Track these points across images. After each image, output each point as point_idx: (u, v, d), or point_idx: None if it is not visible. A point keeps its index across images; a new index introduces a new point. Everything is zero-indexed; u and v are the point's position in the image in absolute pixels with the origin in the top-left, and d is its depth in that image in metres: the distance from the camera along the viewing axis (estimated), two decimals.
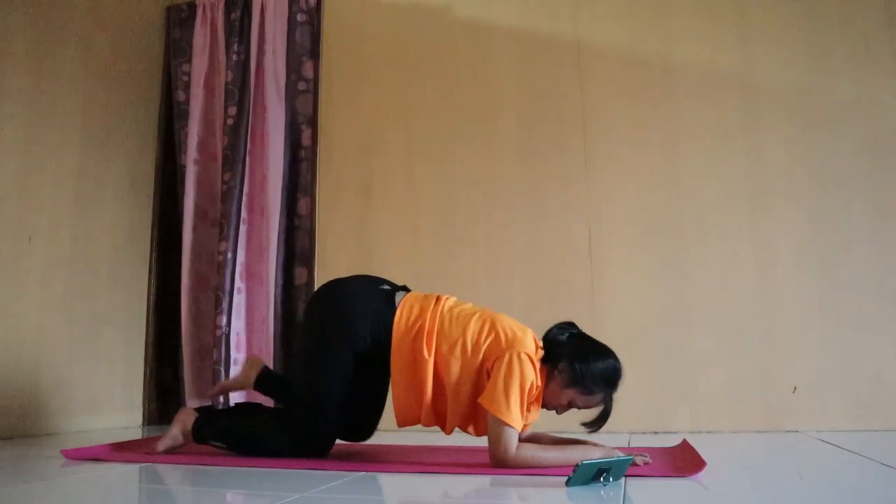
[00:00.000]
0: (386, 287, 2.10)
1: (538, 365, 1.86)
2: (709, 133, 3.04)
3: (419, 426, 2.04)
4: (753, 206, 2.95)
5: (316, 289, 2.90)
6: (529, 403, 1.86)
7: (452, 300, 2.05)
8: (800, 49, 3.00)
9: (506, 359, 1.82)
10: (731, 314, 2.89)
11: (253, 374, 2.30)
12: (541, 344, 1.92)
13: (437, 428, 2.02)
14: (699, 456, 1.88)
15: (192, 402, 3.23)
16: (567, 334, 1.93)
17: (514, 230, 3.17)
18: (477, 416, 1.93)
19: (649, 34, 3.16)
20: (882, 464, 1.88)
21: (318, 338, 2.03)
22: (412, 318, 1.95)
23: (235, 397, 3.14)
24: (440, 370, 1.91)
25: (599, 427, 1.88)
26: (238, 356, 3.21)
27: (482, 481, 1.73)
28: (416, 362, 1.92)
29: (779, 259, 2.90)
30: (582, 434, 1.99)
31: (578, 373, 1.83)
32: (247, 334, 3.27)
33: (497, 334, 1.88)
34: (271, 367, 3.19)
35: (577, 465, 1.54)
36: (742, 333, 2.87)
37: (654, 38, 3.15)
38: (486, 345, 1.88)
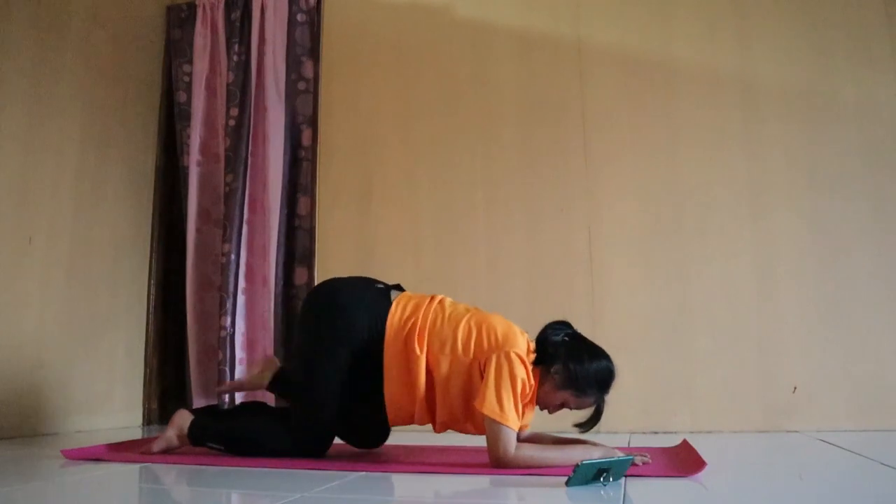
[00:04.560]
0: (380, 285, 2.11)
1: (530, 366, 1.86)
2: (709, 133, 3.04)
3: (413, 426, 2.04)
4: (753, 207, 2.95)
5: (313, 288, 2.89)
6: (524, 405, 1.86)
7: (448, 300, 2.06)
8: (799, 49, 3.00)
9: (494, 360, 1.82)
10: (731, 314, 2.89)
11: (268, 376, 2.28)
12: (533, 346, 1.92)
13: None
14: (699, 456, 1.88)
15: (198, 402, 3.23)
16: (562, 335, 1.92)
17: (514, 230, 3.17)
18: (473, 415, 1.92)
19: (649, 35, 3.16)
20: (882, 464, 1.88)
21: (315, 334, 2.03)
22: (406, 315, 1.97)
23: (239, 396, 3.14)
24: (432, 367, 1.92)
25: (591, 427, 1.88)
26: (243, 356, 3.21)
27: (482, 481, 1.73)
28: (409, 358, 1.93)
29: (778, 259, 2.90)
30: (581, 434, 1.99)
31: (573, 375, 1.84)
32: (249, 334, 3.27)
33: (487, 334, 1.89)
34: None
35: (577, 465, 1.54)
36: (742, 333, 2.87)
37: (654, 39, 3.15)
38: (475, 345, 1.89)
